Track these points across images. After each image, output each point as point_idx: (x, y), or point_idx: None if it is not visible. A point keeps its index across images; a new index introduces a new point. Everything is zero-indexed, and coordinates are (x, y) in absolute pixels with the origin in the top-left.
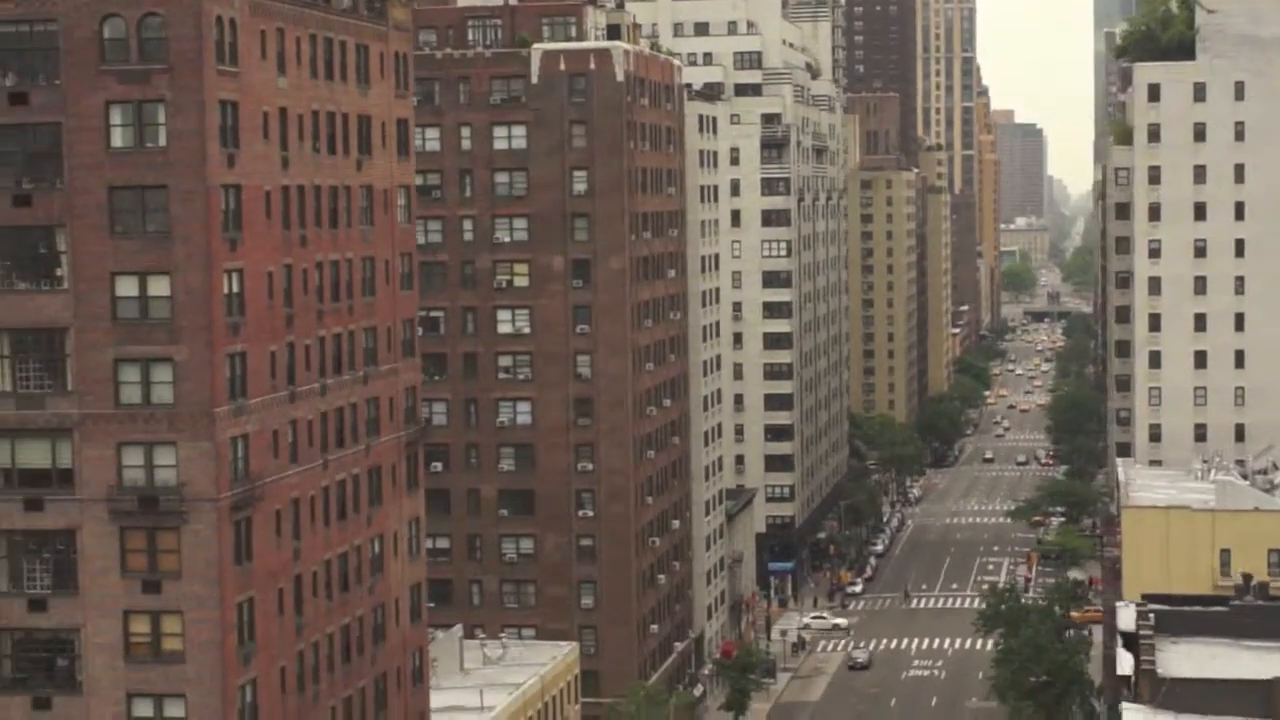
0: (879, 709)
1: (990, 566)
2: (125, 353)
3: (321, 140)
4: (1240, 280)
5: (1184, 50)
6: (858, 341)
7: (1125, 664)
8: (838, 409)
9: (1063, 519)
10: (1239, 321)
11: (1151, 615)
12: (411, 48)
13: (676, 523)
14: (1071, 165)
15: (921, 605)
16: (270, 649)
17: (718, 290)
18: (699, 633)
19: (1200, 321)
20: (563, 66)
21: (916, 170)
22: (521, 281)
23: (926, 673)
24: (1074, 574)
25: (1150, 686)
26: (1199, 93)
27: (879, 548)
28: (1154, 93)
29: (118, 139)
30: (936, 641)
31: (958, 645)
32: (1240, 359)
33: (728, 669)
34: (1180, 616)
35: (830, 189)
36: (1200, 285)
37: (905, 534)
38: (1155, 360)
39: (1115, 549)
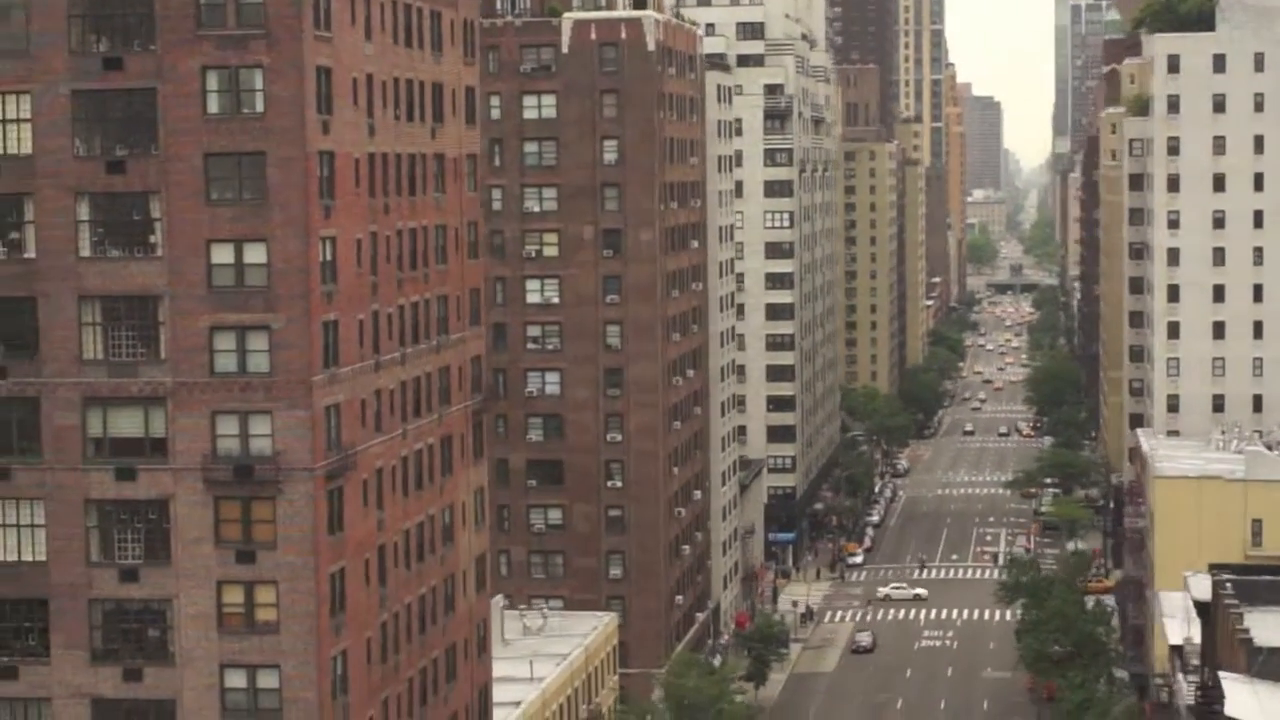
0: (895, 679)
1: (988, 537)
2: (220, 320)
3: (401, 108)
4: (1259, 251)
5: (1203, 21)
6: (841, 313)
7: (1176, 633)
8: (831, 380)
9: (1056, 490)
10: (1257, 292)
11: (1229, 584)
12: (478, 15)
13: (698, 493)
14: (1024, 138)
15: (926, 576)
16: (358, 620)
17: (732, 261)
18: (715, 604)
19: (1219, 292)
20: (594, 35)
21: (896, 142)
22: (551, 251)
23: (938, 643)
24: (1074, 545)
25: (1246, 656)
26: (1218, 64)
27: (875, 519)
28: (1173, 64)
29: (214, 105)
30: (944, 612)
31: (966, 615)
32: (1259, 330)
33: (748, 640)
34: (1256, 586)
35: (825, 160)
36: (1219, 256)
37: (899, 505)
38: (1174, 331)
39: (1139, 519)
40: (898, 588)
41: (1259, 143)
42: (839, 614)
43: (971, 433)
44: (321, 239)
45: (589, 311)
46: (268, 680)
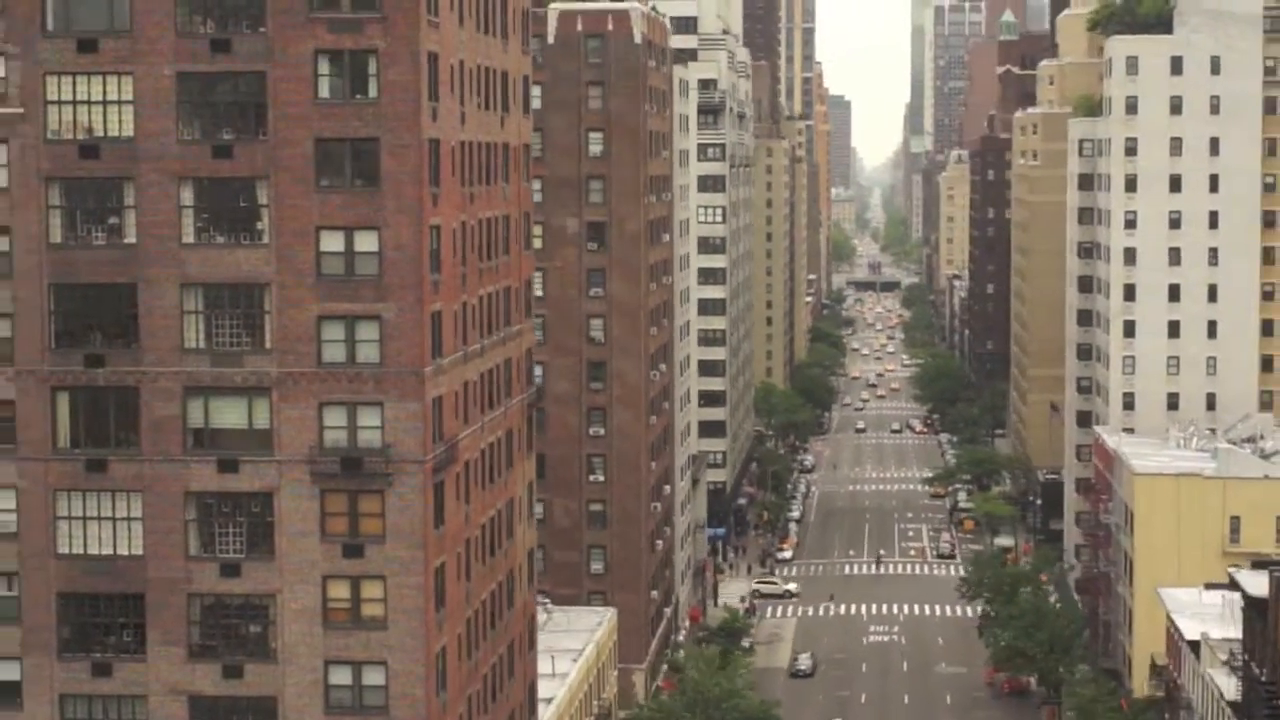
0: (853, 674)
1: (910, 533)
2: (329, 310)
3: (481, 96)
4: (1214, 251)
5: (1161, 24)
6: (761, 309)
7: (1192, 629)
8: (749, 376)
9: (970, 486)
10: (1212, 292)
11: None
12: (531, 3)
13: (667, 488)
14: (867, 137)
15: (858, 571)
16: (454, 616)
17: (687, 256)
18: (675, 599)
19: (1174, 292)
20: (580, 27)
21: (785, 140)
22: (535, 244)
23: (886, 638)
24: (1000, 541)
25: None
26: (1176, 66)
27: (796, 514)
28: (1132, 65)
29: (325, 89)
30: (885, 607)
31: (909, 610)
32: (1213, 329)
33: (715, 634)
34: None
35: (747, 157)
36: (1175, 256)
37: (813, 501)
38: (1130, 330)
39: (1106, 515)
40: (766, 582)
41: (1215, 145)
42: (778, 610)
43: (864, 430)
44: (429, 227)
45: (573, 304)
46: (373, 677)
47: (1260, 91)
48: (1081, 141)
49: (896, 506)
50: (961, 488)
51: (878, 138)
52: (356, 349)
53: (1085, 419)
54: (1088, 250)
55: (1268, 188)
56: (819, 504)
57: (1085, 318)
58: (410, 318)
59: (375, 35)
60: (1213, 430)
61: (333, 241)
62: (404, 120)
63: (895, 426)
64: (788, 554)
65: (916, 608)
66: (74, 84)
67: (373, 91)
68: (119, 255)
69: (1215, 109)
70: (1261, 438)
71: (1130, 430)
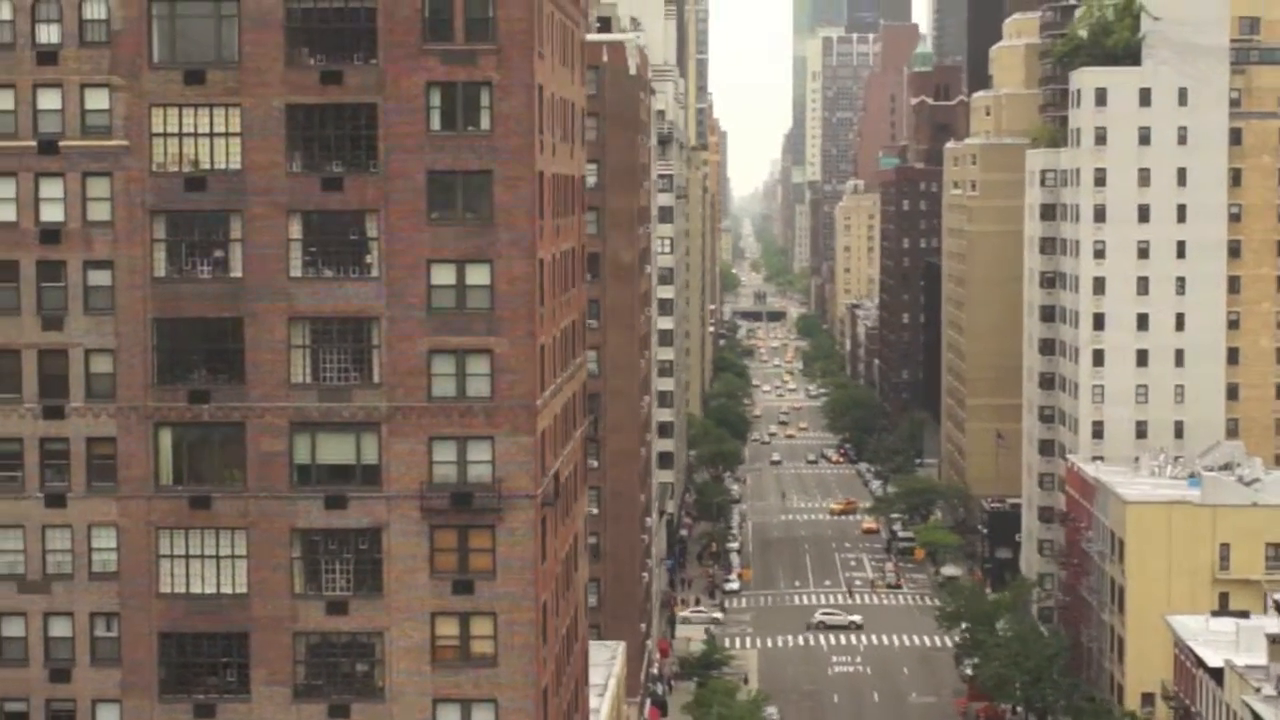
0: (825, 705)
1: (853, 562)
2: (440, 344)
3: (563, 127)
4: (1181, 281)
5: (1129, 56)
6: (696, 339)
7: (1214, 657)
8: (684, 405)
9: (901, 516)
10: (1180, 321)
11: None
12: (584, 33)
13: (649, 520)
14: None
15: (809, 602)
16: (551, 653)
17: (656, 288)
18: (649, 630)
19: (1143, 321)
20: None
21: (699, 171)
22: None
23: (850, 669)
24: (947, 570)
25: None
26: (1144, 98)
27: (735, 545)
28: (1101, 97)
29: (437, 121)
30: (844, 637)
31: (869, 641)
32: (1180, 358)
33: (694, 668)
34: None
35: (683, 187)
36: (1143, 286)
37: (748, 532)
38: (1099, 359)
39: (1087, 543)
40: (829, 613)
41: (1182, 175)
42: (735, 641)
43: (779, 462)
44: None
45: None
46: (483, 715)
47: (1226, 123)
48: (1044, 172)
49: (831, 536)
50: (897, 517)
51: (746, 168)
52: (467, 383)
53: (1048, 447)
54: (1050, 280)
55: (1233, 218)
56: (754, 534)
57: (1048, 346)
58: (522, 351)
59: (489, 67)
60: (1179, 458)
61: (444, 275)
62: (517, 153)
63: (811, 457)
64: (735, 585)
65: (874, 638)
66: (180, 116)
67: (485, 124)
68: (225, 289)
69: (1183, 140)
70: (1239, 465)
71: (1100, 458)
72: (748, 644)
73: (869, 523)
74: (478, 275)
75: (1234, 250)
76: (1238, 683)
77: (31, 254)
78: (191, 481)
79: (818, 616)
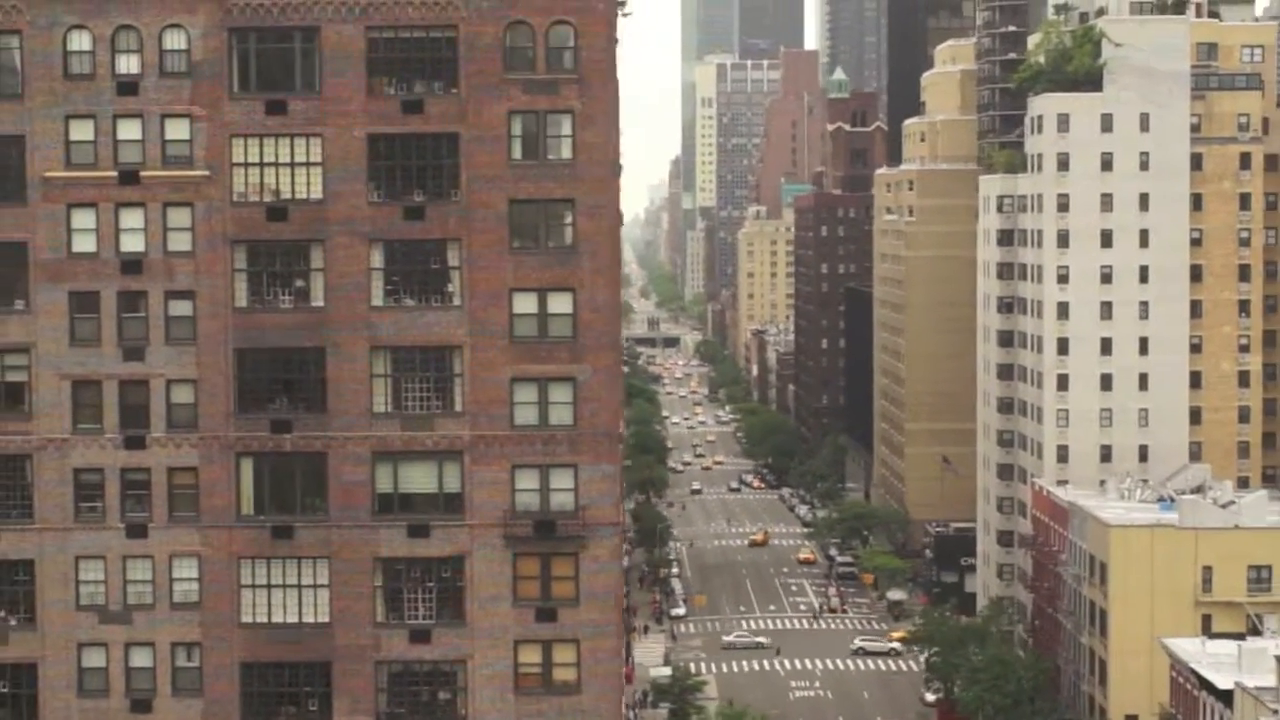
0: None
1: (794, 588)
2: (522, 372)
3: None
4: (1145, 305)
5: (1091, 82)
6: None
7: (1224, 679)
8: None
9: (836, 540)
10: (1143, 345)
11: None
12: None
13: (625, 546)
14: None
15: (754, 627)
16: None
17: None
18: None
19: (1106, 345)
20: None
21: None
22: None
23: (811, 693)
24: (892, 595)
25: None
26: (1106, 123)
27: (674, 571)
28: (1063, 123)
29: (518, 150)
30: (799, 663)
31: (823, 666)
32: (1144, 381)
33: (666, 693)
34: None
35: None
36: (1106, 310)
37: (684, 558)
38: (1064, 383)
39: (1061, 567)
40: (741, 636)
41: (1144, 200)
42: (690, 667)
43: (700, 490)
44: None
45: None
46: None
47: (1187, 148)
48: (1000, 198)
49: (768, 561)
50: (833, 542)
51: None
52: (549, 411)
53: (1007, 472)
54: (1008, 305)
55: (1195, 242)
56: (690, 561)
57: (1006, 371)
58: (604, 379)
59: (571, 97)
60: (1145, 481)
61: (526, 303)
62: (599, 181)
63: (733, 484)
64: (681, 611)
65: (829, 662)
66: (261, 146)
67: (566, 152)
68: (306, 319)
69: (1145, 165)
70: (1211, 488)
71: (1064, 482)
72: (703, 669)
73: (806, 553)
74: (560, 304)
75: (1196, 275)
76: (1251, 705)
77: (112, 284)
78: (273, 511)
79: (729, 638)
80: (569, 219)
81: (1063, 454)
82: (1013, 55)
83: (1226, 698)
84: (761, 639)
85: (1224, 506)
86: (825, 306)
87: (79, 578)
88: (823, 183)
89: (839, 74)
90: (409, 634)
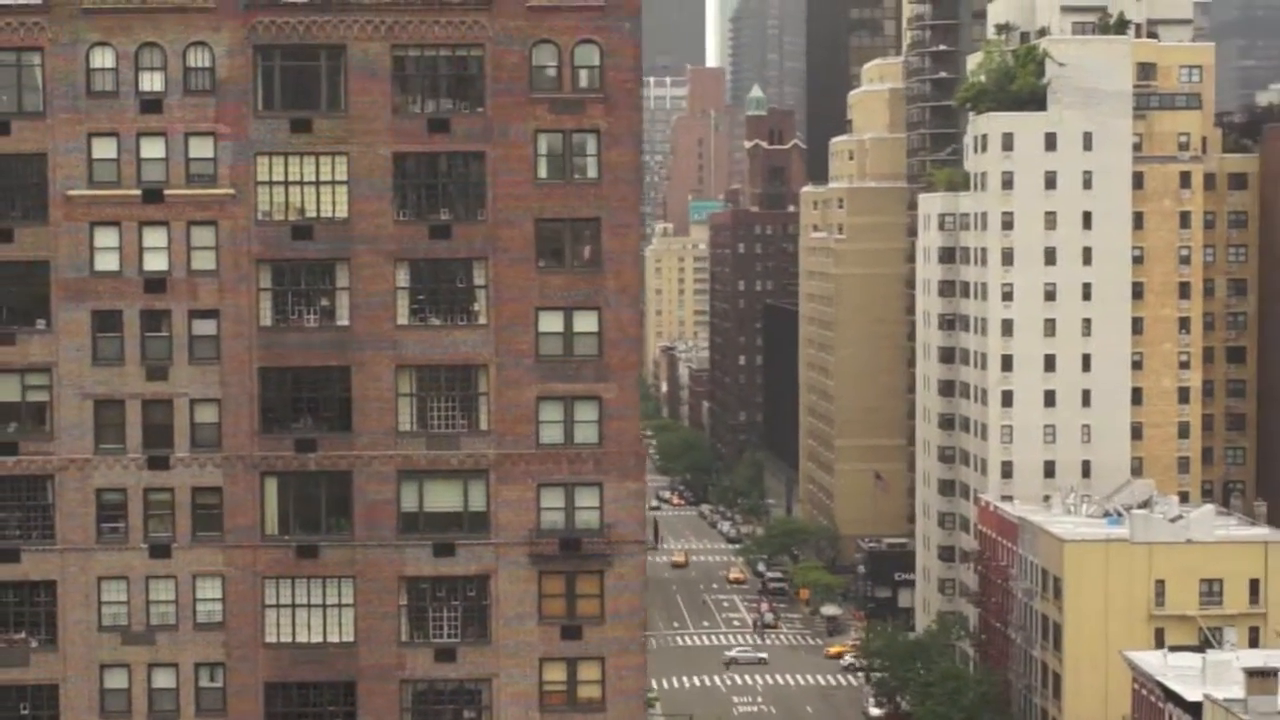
0: None
1: (725, 604)
2: (548, 390)
3: None
4: (1088, 322)
5: (1035, 101)
6: None
7: (1192, 692)
8: None
9: (762, 556)
10: (1086, 362)
11: None
12: None
13: None
14: None
15: (692, 643)
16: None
17: None
18: None
19: (1050, 362)
20: None
21: None
22: None
23: (754, 709)
24: (826, 610)
25: None
26: (1050, 142)
27: None
28: (1008, 141)
29: (544, 169)
30: (740, 679)
31: (765, 681)
32: (1087, 398)
33: None
34: None
35: None
36: (1050, 328)
37: None
38: (1008, 399)
39: (1011, 582)
40: (744, 651)
41: (1087, 219)
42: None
43: None
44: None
45: None
46: None
47: (1129, 167)
48: (942, 215)
49: (697, 578)
50: (762, 558)
51: None
52: (575, 429)
53: (948, 487)
54: (949, 322)
55: (1136, 260)
56: None
57: (947, 388)
58: (629, 397)
59: (597, 115)
60: (1087, 497)
61: (552, 322)
62: (624, 200)
63: (653, 502)
64: None
65: (770, 677)
66: (286, 164)
67: (592, 171)
68: (332, 337)
69: (1088, 184)
70: (1156, 503)
71: (1009, 498)
72: (653, 685)
73: (736, 572)
74: (585, 322)
75: (1137, 292)
76: (1222, 716)
77: (135, 303)
78: (298, 530)
79: (730, 654)
80: (595, 238)
81: (1007, 469)
82: (944, 74)
83: (1195, 710)
84: (763, 654)
85: (1173, 521)
86: (742, 323)
87: (101, 598)
88: (738, 200)
89: (756, 91)
90: (434, 653)
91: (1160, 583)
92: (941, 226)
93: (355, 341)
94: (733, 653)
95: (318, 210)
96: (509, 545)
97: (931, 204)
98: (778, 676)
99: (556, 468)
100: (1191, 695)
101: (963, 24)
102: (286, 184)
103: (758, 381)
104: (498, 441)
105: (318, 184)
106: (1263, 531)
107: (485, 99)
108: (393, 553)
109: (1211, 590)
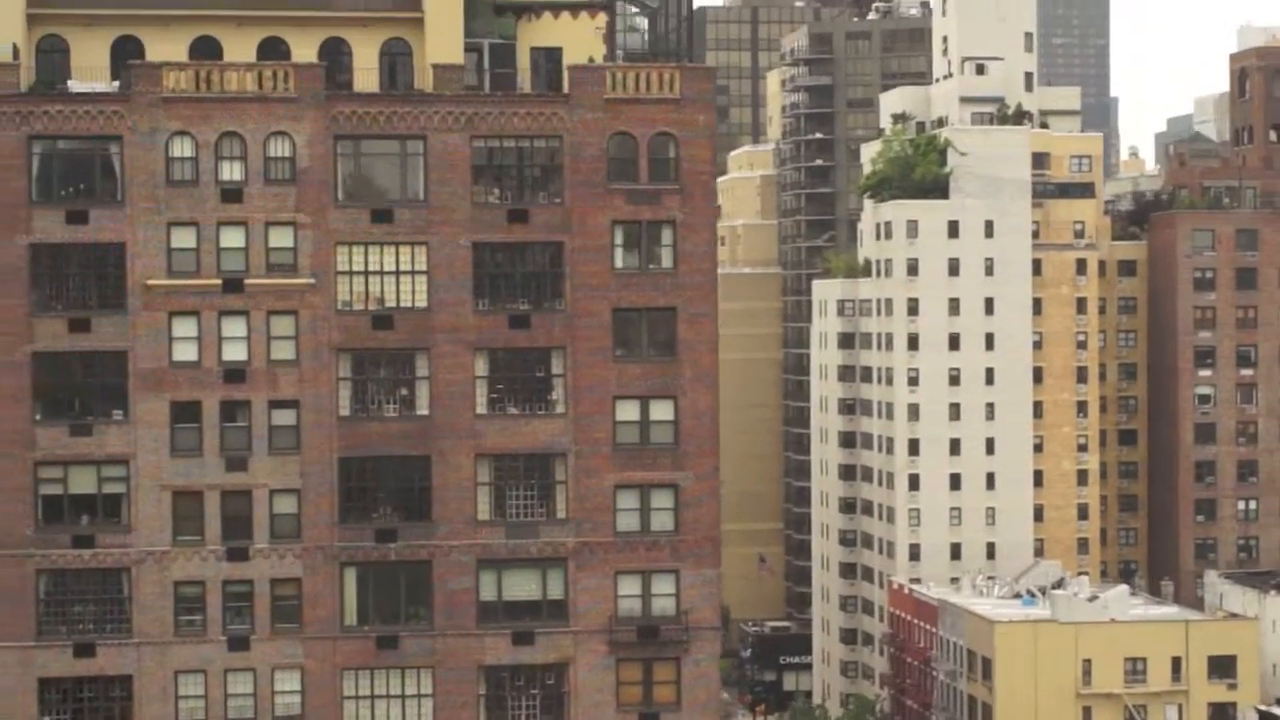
0: None
1: None
2: (625, 479)
3: None
4: (991, 406)
5: (937, 189)
6: None
7: None
8: None
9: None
10: (989, 445)
11: None
12: None
13: None
14: None
15: None
16: None
17: None
18: None
19: (955, 446)
20: None
21: None
22: None
23: None
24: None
25: None
26: (953, 230)
27: None
28: (912, 229)
29: (621, 259)
30: None
31: None
32: (991, 480)
33: None
34: None
35: None
36: (955, 411)
37: None
38: (914, 483)
39: (935, 665)
40: None
41: (989, 304)
42: None
43: None
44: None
45: None
46: None
47: (1029, 253)
48: (842, 301)
49: None
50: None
51: None
52: (651, 517)
53: (849, 570)
54: (850, 406)
55: (1036, 345)
56: None
57: (849, 472)
58: (706, 485)
59: (673, 206)
60: (992, 578)
61: (629, 411)
62: (700, 290)
63: None
64: None
65: None
66: (366, 253)
67: (667, 261)
68: (411, 427)
69: (990, 270)
70: (1068, 584)
71: (917, 580)
72: None
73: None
74: (662, 411)
75: (1037, 376)
76: None
77: (215, 394)
78: (377, 621)
79: None
80: (671, 327)
81: (914, 552)
82: (820, 161)
83: None
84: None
85: (1090, 601)
86: None
87: (179, 692)
88: None
89: None
90: None
91: (1087, 661)
92: (840, 312)
93: (435, 431)
94: None
95: (397, 300)
96: (587, 633)
97: (829, 289)
98: None
99: (633, 555)
100: None
101: (838, 112)
102: (366, 273)
103: None
104: (576, 529)
105: (398, 273)
106: (1174, 610)
107: (564, 190)
108: (472, 642)
109: (1135, 669)
